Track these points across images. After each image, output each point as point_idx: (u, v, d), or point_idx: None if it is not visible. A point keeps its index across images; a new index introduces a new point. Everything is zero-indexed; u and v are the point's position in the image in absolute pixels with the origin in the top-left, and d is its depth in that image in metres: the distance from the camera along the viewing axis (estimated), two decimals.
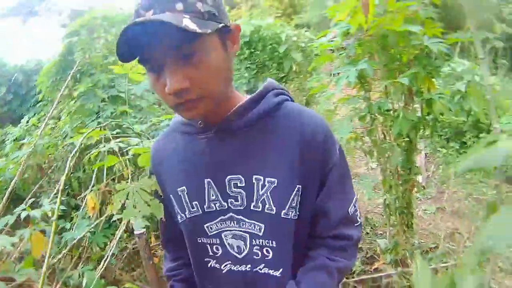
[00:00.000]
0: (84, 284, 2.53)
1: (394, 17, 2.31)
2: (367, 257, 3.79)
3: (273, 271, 1.18)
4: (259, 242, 1.17)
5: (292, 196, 1.13)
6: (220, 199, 1.17)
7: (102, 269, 2.65)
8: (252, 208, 1.15)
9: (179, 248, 1.39)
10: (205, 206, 1.20)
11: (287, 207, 1.13)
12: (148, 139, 2.75)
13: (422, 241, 4.12)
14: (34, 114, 6.79)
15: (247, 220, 1.16)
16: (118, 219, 2.86)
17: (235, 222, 1.18)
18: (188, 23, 0.89)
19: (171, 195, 1.27)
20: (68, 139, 4.01)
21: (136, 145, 3.11)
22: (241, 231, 1.18)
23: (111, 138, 2.63)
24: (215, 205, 1.18)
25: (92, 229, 3.09)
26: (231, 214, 1.18)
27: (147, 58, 0.99)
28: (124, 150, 3.23)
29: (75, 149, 2.87)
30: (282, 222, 1.14)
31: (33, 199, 3.14)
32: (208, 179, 1.18)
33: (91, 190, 2.95)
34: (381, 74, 2.60)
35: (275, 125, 1.16)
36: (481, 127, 6.50)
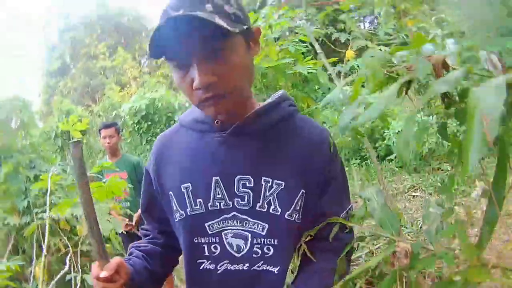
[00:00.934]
0: None
1: (271, 55, 2.81)
2: None
3: (271, 267, 1.19)
4: (261, 241, 1.18)
5: (296, 199, 1.17)
6: (226, 198, 1.18)
7: None
8: (257, 208, 1.17)
9: (152, 239, 1.43)
10: (209, 204, 1.20)
11: (291, 209, 1.16)
12: None
13: None
14: None
15: (251, 219, 1.18)
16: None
17: (238, 221, 1.18)
18: (219, 21, 0.94)
19: (170, 192, 1.27)
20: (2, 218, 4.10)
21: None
22: (243, 230, 1.19)
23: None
24: (219, 204, 1.19)
25: None
26: (234, 213, 1.18)
27: (176, 55, 1.04)
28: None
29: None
30: (285, 223, 1.16)
31: None
32: (217, 178, 1.19)
33: (36, 263, 3.08)
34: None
35: (287, 132, 1.21)
36: (376, 138, 7.11)
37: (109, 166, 3.26)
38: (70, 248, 3.32)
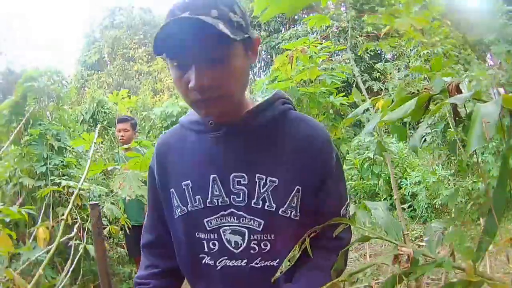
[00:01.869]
0: None
1: (312, 77, 3.00)
2: None
3: (270, 261, 1.21)
4: (257, 237, 1.20)
5: (291, 196, 1.19)
6: (223, 194, 1.21)
7: None
8: (252, 204, 1.19)
9: (156, 254, 1.42)
10: (207, 201, 1.22)
11: (285, 205, 1.18)
12: None
13: None
14: None
15: (247, 215, 1.20)
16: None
17: (235, 217, 1.21)
18: (222, 27, 0.98)
19: (172, 189, 1.30)
20: (16, 177, 4.26)
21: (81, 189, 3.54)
22: (240, 226, 1.21)
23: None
24: (217, 200, 1.21)
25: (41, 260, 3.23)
26: (232, 209, 1.21)
27: (177, 55, 1.08)
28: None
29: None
30: (280, 219, 1.18)
31: None
32: (214, 175, 1.21)
33: (40, 224, 3.07)
34: None
35: (280, 130, 1.23)
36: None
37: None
38: (79, 219, 3.42)
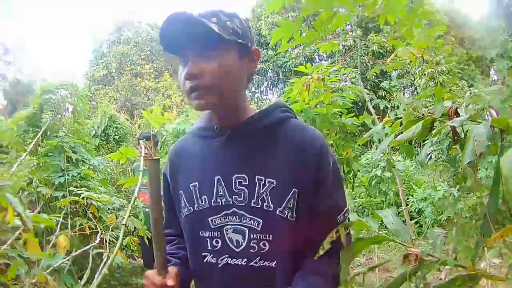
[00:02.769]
0: None
1: (320, 102, 3.19)
2: None
3: (268, 262, 1.27)
4: (257, 236, 1.27)
5: (288, 197, 1.25)
6: (227, 195, 1.30)
7: None
8: (252, 204, 1.27)
9: (178, 243, 1.52)
10: (212, 201, 1.32)
11: (283, 206, 1.25)
12: None
13: None
14: None
15: (247, 215, 1.28)
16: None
17: (237, 217, 1.29)
18: (213, 26, 1.16)
19: (181, 190, 1.40)
20: (33, 186, 4.41)
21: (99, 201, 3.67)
22: (241, 225, 1.28)
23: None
24: (221, 200, 1.30)
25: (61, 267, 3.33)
26: (234, 209, 1.29)
27: (178, 51, 1.27)
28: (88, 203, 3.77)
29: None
30: (278, 219, 1.25)
31: None
32: (218, 176, 1.31)
33: (61, 232, 3.24)
34: None
35: (279, 136, 1.32)
36: (399, 203, 7.31)
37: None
38: (99, 229, 3.56)
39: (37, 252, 2.35)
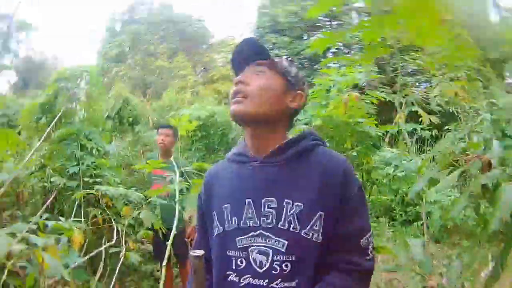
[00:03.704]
0: None
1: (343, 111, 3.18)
2: None
3: (289, 283, 1.30)
4: (280, 257, 1.31)
5: (314, 220, 1.31)
6: (255, 217, 1.36)
7: None
8: (279, 226, 1.32)
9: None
10: (241, 222, 1.38)
11: (308, 227, 1.30)
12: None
13: None
14: None
15: (273, 237, 1.32)
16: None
17: (262, 238, 1.34)
18: (265, 48, 1.48)
19: (214, 211, 1.48)
20: (44, 172, 4.45)
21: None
22: (266, 246, 1.33)
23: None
24: (249, 222, 1.37)
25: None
26: (260, 231, 1.35)
27: (238, 67, 1.48)
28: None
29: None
30: (302, 240, 1.30)
31: None
32: (249, 199, 1.38)
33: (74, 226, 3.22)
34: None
35: (307, 162, 1.40)
36: (409, 202, 7.30)
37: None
38: (114, 224, 3.56)
39: (55, 256, 2.34)
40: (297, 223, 1.31)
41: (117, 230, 3.55)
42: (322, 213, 1.32)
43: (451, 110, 4.45)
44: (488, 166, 1.28)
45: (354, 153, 3.34)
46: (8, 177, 3.89)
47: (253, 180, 1.42)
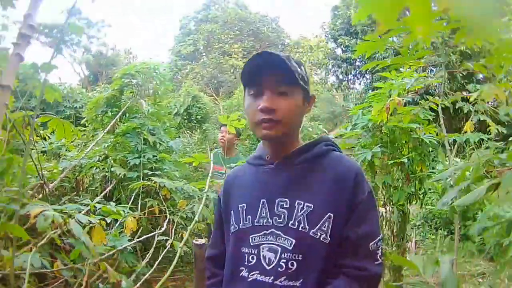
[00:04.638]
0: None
1: (401, 118, 3.15)
2: None
3: (293, 282, 1.34)
4: (287, 255, 1.36)
5: (323, 220, 1.36)
6: (268, 216, 1.43)
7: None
8: (289, 225, 1.38)
9: (216, 266, 1.65)
10: (255, 221, 1.45)
11: (316, 228, 1.35)
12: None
13: None
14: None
15: (283, 235, 1.38)
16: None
17: (273, 236, 1.40)
18: (294, 65, 1.39)
19: (232, 210, 1.56)
20: (106, 163, 4.64)
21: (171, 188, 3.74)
22: (276, 244, 1.39)
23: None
24: (263, 221, 1.44)
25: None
26: (272, 229, 1.41)
27: (256, 83, 1.43)
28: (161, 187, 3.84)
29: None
30: (310, 239, 1.35)
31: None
32: (264, 200, 1.46)
33: (129, 214, 3.28)
34: (387, 158, 3.37)
35: (320, 166, 1.46)
36: (468, 217, 7.00)
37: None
38: (168, 214, 3.67)
39: (103, 239, 2.48)
40: (306, 223, 1.37)
41: (171, 220, 3.64)
42: (331, 214, 1.36)
43: None
44: None
45: (406, 160, 3.24)
46: (69, 164, 4.14)
47: (269, 182, 1.50)
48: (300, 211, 1.39)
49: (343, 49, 21.67)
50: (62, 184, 4.24)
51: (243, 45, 31.36)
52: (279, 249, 1.38)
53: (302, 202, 1.40)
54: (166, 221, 3.61)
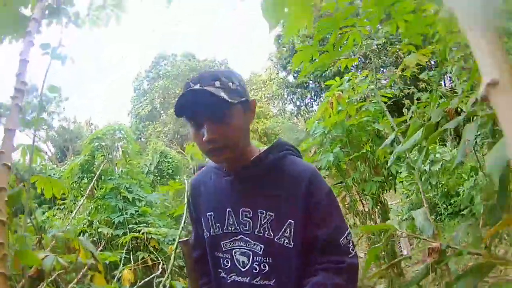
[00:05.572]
0: None
1: (351, 113, 3.39)
2: None
3: (267, 281, 1.45)
4: (259, 259, 1.46)
5: (284, 227, 1.43)
6: (235, 224, 1.51)
7: None
8: (256, 233, 1.46)
9: (206, 264, 1.67)
10: (224, 228, 1.54)
11: (279, 234, 1.43)
12: None
13: None
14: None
15: (252, 241, 1.47)
16: None
17: (243, 242, 1.49)
18: (223, 94, 1.33)
19: (202, 217, 1.63)
20: (93, 227, 4.73)
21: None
22: (247, 249, 1.49)
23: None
24: (231, 228, 1.52)
25: None
26: (241, 236, 1.50)
27: (193, 117, 1.43)
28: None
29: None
30: (276, 245, 1.43)
31: None
32: (229, 209, 1.52)
33: (125, 266, 3.46)
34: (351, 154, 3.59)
35: (277, 173, 1.50)
36: (452, 194, 7.18)
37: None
38: (161, 260, 3.76)
39: (103, 285, 2.59)
40: (270, 230, 1.44)
41: (165, 265, 3.74)
42: (291, 221, 1.42)
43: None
44: (456, 112, 1.41)
45: (369, 153, 3.47)
46: (58, 232, 4.19)
47: (230, 192, 1.56)
48: (264, 220, 1.45)
49: (294, 75, 21.96)
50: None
51: None
52: (251, 253, 1.48)
53: (264, 211, 1.46)
54: (161, 265, 3.73)
